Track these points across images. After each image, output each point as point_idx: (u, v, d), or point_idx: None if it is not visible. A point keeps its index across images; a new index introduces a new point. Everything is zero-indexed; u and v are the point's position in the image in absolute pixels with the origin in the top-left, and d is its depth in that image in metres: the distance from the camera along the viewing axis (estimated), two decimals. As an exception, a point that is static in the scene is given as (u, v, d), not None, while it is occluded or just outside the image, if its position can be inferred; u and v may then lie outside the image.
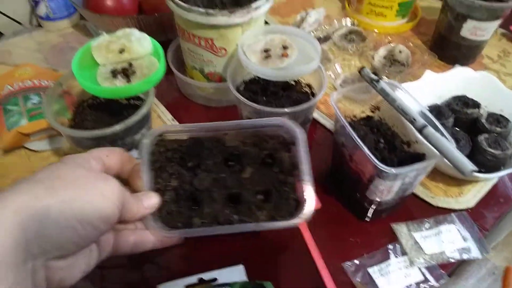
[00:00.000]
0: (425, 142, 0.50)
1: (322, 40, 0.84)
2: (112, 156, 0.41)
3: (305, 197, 0.44)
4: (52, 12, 0.86)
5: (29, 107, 0.65)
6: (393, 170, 0.46)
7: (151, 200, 0.41)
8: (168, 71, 0.69)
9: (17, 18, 0.90)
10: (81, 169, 0.36)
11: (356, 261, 0.52)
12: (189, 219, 0.44)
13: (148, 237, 0.41)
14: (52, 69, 0.78)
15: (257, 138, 0.49)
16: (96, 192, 0.34)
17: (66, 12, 0.87)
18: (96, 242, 0.37)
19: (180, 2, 0.60)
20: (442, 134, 0.49)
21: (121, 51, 0.55)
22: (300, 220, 0.43)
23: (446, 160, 0.46)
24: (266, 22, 0.69)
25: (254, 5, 0.60)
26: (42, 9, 0.85)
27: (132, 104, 0.61)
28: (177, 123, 0.70)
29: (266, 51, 0.59)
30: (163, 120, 0.70)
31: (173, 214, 0.44)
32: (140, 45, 0.56)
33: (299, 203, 0.45)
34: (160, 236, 0.42)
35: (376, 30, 0.90)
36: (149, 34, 0.59)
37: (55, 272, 0.33)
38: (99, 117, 0.59)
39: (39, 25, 0.91)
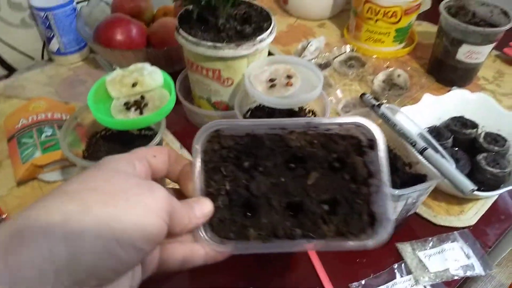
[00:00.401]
0: (426, 163, 0.52)
1: (323, 66, 0.88)
2: (159, 156, 0.36)
3: (382, 213, 0.37)
4: (63, 47, 0.89)
5: (43, 139, 0.68)
6: (396, 192, 0.48)
7: (205, 208, 0.35)
8: (176, 101, 0.72)
9: (30, 54, 0.94)
10: (121, 176, 0.30)
11: (363, 282, 0.54)
12: (243, 229, 0.38)
13: (199, 250, 0.35)
14: (63, 102, 0.81)
15: (325, 138, 0.41)
16: (140, 207, 0.29)
17: (77, 46, 0.91)
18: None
19: (189, 36, 0.63)
20: (442, 156, 0.52)
21: (134, 84, 0.58)
22: (375, 242, 0.36)
23: (447, 180, 0.49)
24: (269, 52, 0.72)
25: (258, 38, 0.63)
26: (54, 45, 0.89)
27: (143, 134, 0.64)
28: (185, 151, 0.72)
29: (271, 80, 0.62)
30: (171, 148, 0.73)
31: (225, 222, 0.38)
32: (152, 78, 0.59)
33: (373, 220, 0.38)
34: (213, 251, 0.35)
35: (374, 56, 0.93)
36: (158, 66, 0.62)
37: None
38: (112, 147, 0.62)
39: (50, 59, 0.95)
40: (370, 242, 0.36)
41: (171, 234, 0.33)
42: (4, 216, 0.62)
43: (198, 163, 0.39)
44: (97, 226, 0.26)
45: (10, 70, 0.93)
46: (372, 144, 0.40)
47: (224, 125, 0.40)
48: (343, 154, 0.40)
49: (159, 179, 0.36)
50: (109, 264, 0.27)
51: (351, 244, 0.36)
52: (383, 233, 0.36)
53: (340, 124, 0.41)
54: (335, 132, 0.41)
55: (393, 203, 0.50)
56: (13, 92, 0.85)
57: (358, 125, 0.40)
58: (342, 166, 0.40)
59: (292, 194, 0.39)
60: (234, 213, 0.38)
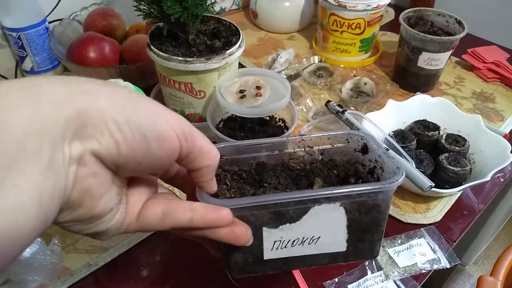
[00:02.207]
0: (389, 164, 0.55)
1: (293, 77, 0.91)
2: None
3: (395, 170, 0.38)
4: (37, 65, 0.90)
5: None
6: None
7: (215, 149, 0.33)
8: (151, 115, 0.75)
9: (3, 73, 0.94)
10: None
11: (336, 279, 0.56)
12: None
13: (184, 208, 0.32)
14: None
15: (324, 161, 0.44)
16: (154, 108, 0.28)
17: (50, 65, 0.92)
18: (126, 198, 0.31)
19: (160, 52, 0.65)
20: (403, 157, 0.55)
21: (108, 99, 0.60)
22: (395, 182, 0.36)
23: (407, 179, 0.52)
24: (240, 64, 0.75)
25: (228, 51, 0.66)
26: (27, 64, 0.90)
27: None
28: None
29: (241, 91, 0.64)
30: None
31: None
32: (125, 93, 0.61)
33: None
34: (206, 209, 0.33)
35: (342, 65, 0.97)
36: (131, 81, 0.64)
37: (82, 180, 0.26)
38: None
39: (24, 79, 0.95)
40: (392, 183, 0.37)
41: (193, 169, 0.32)
42: None
43: None
44: (112, 96, 0.27)
45: (-17, 90, 0.93)
46: (365, 148, 0.43)
47: (222, 148, 0.42)
48: (342, 171, 0.43)
49: None
50: (115, 135, 0.26)
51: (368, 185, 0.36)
52: (399, 176, 0.37)
53: (332, 137, 0.44)
54: (332, 156, 0.44)
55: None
56: (-14, 112, 0.85)
57: (348, 139, 0.44)
58: (347, 175, 0.43)
59: None
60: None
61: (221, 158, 0.37)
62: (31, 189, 0.23)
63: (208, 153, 0.32)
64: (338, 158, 0.45)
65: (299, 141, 0.44)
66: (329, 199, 0.35)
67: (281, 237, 0.36)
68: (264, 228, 0.35)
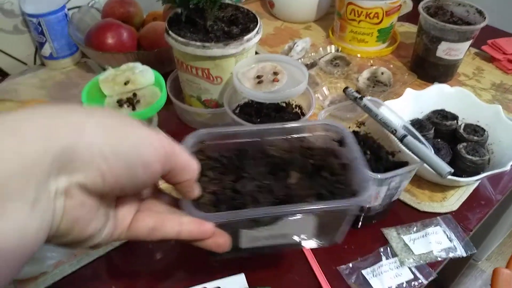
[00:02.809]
0: (407, 151, 0.55)
1: (310, 66, 0.91)
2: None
3: (362, 185, 0.40)
4: (56, 52, 0.91)
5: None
6: (378, 176, 0.50)
7: (195, 162, 0.34)
8: (168, 101, 0.75)
9: (22, 59, 0.96)
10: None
11: (350, 265, 0.56)
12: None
13: (172, 222, 0.35)
14: (57, 104, 0.83)
15: (302, 147, 0.46)
16: (138, 131, 0.29)
17: (69, 51, 0.93)
18: (114, 214, 0.32)
19: (178, 37, 0.66)
20: (422, 143, 0.54)
21: (126, 83, 0.61)
22: (358, 202, 0.39)
23: (426, 165, 0.51)
24: (256, 53, 0.75)
25: (245, 37, 0.66)
26: (46, 50, 0.91)
27: (136, 131, 0.66)
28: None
29: (258, 77, 0.64)
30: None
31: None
32: (143, 76, 0.61)
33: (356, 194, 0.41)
34: (193, 223, 0.35)
35: (359, 55, 0.96)
36: (149, 67, 0.64)
37: (70, 211, 0.27)
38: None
39: (43, 64, 0.96)
40: (353, 201, 0.39)
41: (175, 183, 0.34)
42: None
43: None
44: (96, 127, 0.27)
45: (3, 75, 0.94)
46: (342, 141, 0.45)
47: (206, 134, 0.44)
48: (319, 159, 0.45)
49: None
50: (100, 166, 0.27)
51: (336, 202, 0.39)
52: (364, 196, 0.39)
53: (310, 127, 0.46)
54: (310, 143, 0.46)
55: (376, 188, 0.53)
56: (6, 96, 0.87)
57: (328, 126, 0.46)
58: (320, 168, 0.44)
59: (276, 193, 0.41)
60: (221, 210, 0.39)
61: (202, 142, 0.43)
62: (16, 231, 0.23)
63: (189, 167, 0.33)
64: (315, 147, 0.46)
65: (280, 128, 0.46)
66: (301, 213, 0.39)
67: (257, 235, 0.41)
68: (241, 230, 0.39)
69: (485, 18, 0.82)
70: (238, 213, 0.37)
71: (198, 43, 0.65)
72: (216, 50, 0.65)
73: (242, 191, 0.40)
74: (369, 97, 0.63)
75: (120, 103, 0.59)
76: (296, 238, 0.43)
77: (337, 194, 0.41)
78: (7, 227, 0.23)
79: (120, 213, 0.33)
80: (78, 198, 0.27)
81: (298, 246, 0.45)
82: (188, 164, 0.33)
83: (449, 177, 0.53)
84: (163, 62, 0.83)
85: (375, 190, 0.53)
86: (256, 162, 0.44)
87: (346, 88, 0.63)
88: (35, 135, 0.24)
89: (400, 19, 1.08)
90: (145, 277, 0.55)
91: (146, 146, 0.29)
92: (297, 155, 0.45)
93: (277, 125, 0.45)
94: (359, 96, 0.60)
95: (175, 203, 0.37)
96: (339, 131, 0.45)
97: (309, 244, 0.45)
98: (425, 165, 0.52)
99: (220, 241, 0.37)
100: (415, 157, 0.53)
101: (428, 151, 0.52)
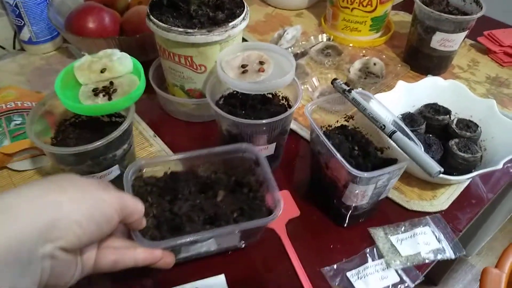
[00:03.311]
0: (396, 147, 0.52)
1: (300, 55, 0.87)
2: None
3: (275, 203, 0.49)
4: (35, 36, 0.87)
5: (12, 127, 0.67)
6: (365, 174, 0.48)
7: (140, 204, 0.43)
8: (150, 90, 0.72)
9: (0, 43, 0.92)
10: (85, 179, 0.40)
11: (335, 266, 0.53)
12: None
13: (129, 255, 0.43)
14: (35, 91, 0.79)
15: (225, 167, 0.55)
16: (98, 197, 0.38)
17: (49, 35, 0.89)
18: (80, 255, 0.39)
19: (160, 23, 0.62)
20: (411, 139, 0.52)
21: (103, 70, 0.57)
22: (272, 218, 0.47)
23: (415, 163, 0.49)
24: (244, 40, 0.72)
25: (231, 24, 0.63)
26: (25, 34, 0.87)
27: (114, 121, 0.62)
28: (159, 139, 0.71)
29: (243, 66, 0.61)
30: (145, 137, 0.72)
31: (156, 239, 0.46)
32: (121, 64, 0.58)
33: (271, 211, 0.49)
34: (146, 252, 0.43)
35: (351, 45, 0.93)
36: (131, 54, 0.61)
37: (54, 268, 0.35)
38: (81, 135, 0.61)
39: (22, 49, 0.92)
40: (267, 219, 0.47)
41: (128, 223, 0.42)
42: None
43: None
44: (70, 202, 0.35)
45: (-20, 60, 0.90)
46: (257, 161, 0.53)
47: (144, 164, 0.52)
48: (240, 177, 0.54)
49: None
50: (76, 231, 0.35)
51: (253, 222, 0.47)
52: (277, 212, 0.47)
53: (231, 151, 0.54)
54: (232, 161, 0.55)
55: (363, 186, 0.50)
56: (-17, 82, 0.83)
57: (244, 150, 0.54)
58: (242, 185, 0.53)
59: (207, 210, 0.49)
60: (163, 231, 0.47)
61: (140, 171, 0.52)
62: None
63: (136, 210, 0.42)
64: (236, 166, 0.55)
65: (207, 152, 0.54)
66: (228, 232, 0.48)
67: (194, 248, 0.50)
68: (182, 248, 0.48)
69: (482, 8, 0.79)
70: (178, 238, 0.45)
71: (181, 29, 0.62)
72: (199, 36, 0.62)
73: (179, 212, 0.48)
74: (359, 90, 0.60)
75: (95, 92, 0.56)
76: (225, 245, 0.52)
77: (256, 209, 0.50)
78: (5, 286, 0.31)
79: (86, 256, 0.39)
80: (60, 258, 0.35)
81: (228, 250, 0.54)
82: (135, 208, 0.42)
83: (440, 175, 0.50)
84: (146, 49, 0.79)
85: (360, 190, 0.51)
86: (188, 183, 0.52)
87: (335, 79, 0.60)
88: (25, 214, 0.33)
89: (395, 7, 1.04)
90: (123, 278, 0.53)
91: (106, 206, 0.38)
92: (221, 174, 0.54)
93: (205, 151, 0.53)
94: (347, 88, 0.57)
95: (127, 233, 0.45)
96: (255, 152, 0.54)
97: (236, 246, 0.54)
98: (414, 163, 0.49)
99: (168, 260, 0.45)
100: (404, 154, 0.51)
101: (417, 148, 0.49)
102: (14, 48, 0.94)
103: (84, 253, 0.39)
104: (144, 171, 0.52)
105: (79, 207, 0.36)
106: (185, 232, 0.46)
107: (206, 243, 0.50)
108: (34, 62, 0.89)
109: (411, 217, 0.60)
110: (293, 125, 0.74)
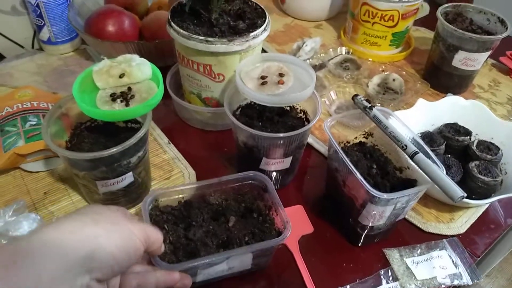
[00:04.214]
0: (417, 168, 0.51)
1: (318, 67, 0.86)
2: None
3: (284, 224, 0.51)
4: (54, 36, 0.88)
5: (27, 128, 0.66)
6: (385, 196, 0.47)
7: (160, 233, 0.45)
8: (166, 96, 0.71)
9: (20, 42, 0.92)
10: (112, 210, 0.42)
11: (348, 287, 0.52)
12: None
13: (151, 278, 0.45)
14: (51, 92, 0.79)
15: (235, 194, 0.57)
16: (127, 229, 0.40)
17: (68, 36, 0.89)
18: (107, 283, 0.40)
19: (180, 30, 0.62)
20: (433, 161, 0.51)
21: (121, 75, 0.57)
22: (281, 239, 0.49)
23: (437, 186, 0.47)
24: (263, 50, 0.71)
25: (252, 34, 0.62)
26: (45, 34, 0.87)
27: (129, 127, 0.62)
28: (173, 146, 0.71)
29: (262, 78, 0.60)
30: (159, 143, 0.71)
31: (173, 263, 0.49)
32: (140, 70, 0.57)
33: (281, 232, 0.52)
34: (165, 275, 0.46)
35: (370, 59, 0.92)
36: (149, 59, 0.60)
37: None
38: (96, 139, 0.60)
39: (41, 49, 0.93)
40: (278, 239, 0.49)
41: (149, 251, 0.44)
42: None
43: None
44: (104, 233, 0.37)
45: (-1, 57, 0.91)
46: (265, 187, 0.55)
47: (160, 194, 0.54)
48: (249, 203, 0.56)
49: None
50: (109, 261, 0.37)
51: (265, 242, 0.49)
52: (286, 233, 0.49)
53: (240, 179, 0.56)
54: (242, 188, 0.57)
55: (381, 208, 0.49)
56: (0, 79, 0.83)
57: (253, 177, 0.56)
58: (251, 210, 0.55)
59: (219, 235, 0.51)
60: (179, 256, 0.50)
61: (157, 200, 0.54)
62: None
63: (157, 239, 0.43)
64: (246, 192, 0.57)
65: (217, 181, 0.56)
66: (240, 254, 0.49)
67: (209, 271, 0.51)
68: (198, 271, 0.50)
69: (507, 28, 0.78)
70: (194, 261, 0.47)
71: (201, 37, 0.61)
72: (219, 45, 0.61)
73: (194, 238, 0.51)
74: (378, 106, 0.59)
75: (113, 97, 0.55)
76: (238, 268, 0.53)
77: (266, 231, 0.52)
78: None
79: (112, 283, 0.41)
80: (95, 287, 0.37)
81: (242, 273, 0.54)
82: (157, 238, 0.44)
83: (461, 200, 0.49)
84: (164, 55, 0.79)
85: (378, 210, 0.49)
86: (201, 211, 0.54)
87: (356, 95, 0.59)
88: (68, 247, 0.34)
89: (416, 23, 1.03)
90: None
91: (135, 237, 0.40)
92: (232, 201, 0.56)
93: (215, 180, 0.56)
94: (368, 105, 0.56)
95: (147, 258, 0.47)
96: (262, 179, 0.55)
97: (249, 270, 0.55)
98: (435, 186, 0.48)
99: (186, 282, 0.47)
100: (426, 176, 0.49)
101: (440, 171, 0.48)
102: (32, 47, 0.95)
103: (110, 281, 0.41)
104: (160, 200, 0.54)
105: (113, 239, 0.38)
106: (200, 256, 0.48)
107: (221, 266, 0.50)
108: (52, 62, 0.89)
109: (428, 239, 0.59)
110: (309, 138, 0.73)
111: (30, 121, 0.68)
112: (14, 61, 0.88)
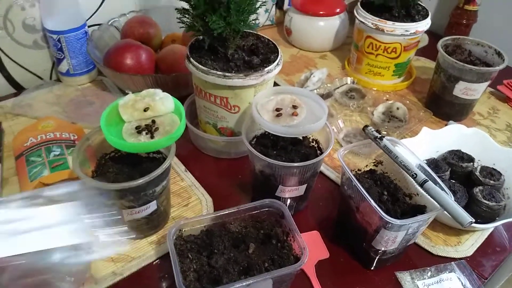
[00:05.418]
0: (426, 195, 0.54)
1: (325, 97, 0.91)
2: None
3: (301, 250, 0.53)
4: (73, 68, 0.92)
5: (51, 158, 0.70)
6: (398, 222, 0.50)
7: None
8: (183, 125, 0.75)
9: (39, 74, 0.96)
10: None
11: (364, 308, 0.55)
12: None
13: None
14: (71, 122, 0.83)
15: (254, 221, 0.60)
16: None
17: (85, 68, 0.93)
18: None
19: (199, 65, 0.66)
20: (441, 188, 0.54)
21: (146, 109, 0.60)
22: (299, 265, 0.51)
23: (446, 212, 0.51)
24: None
25: (266, 69, 0.66)
26: (64, 66, 0.91)
27: (151, 157, 0.65)
28: (189, 174, 0.74)
29: (277, 110, 0.64)
30: (176, 171, 0.75)
31: None
32: (163, 104, 0.61)
33: (298, 258, 0.54)
34: None
35: (375, 88, 0.96)
36: (165, 91, 0.64)
37: None
38: (120, 169, 0.63)
39: (58, 80, 0.97)
40: (295, 266, 0.51)
41: None
42: (10, 233, 0.62)
43: (172, 251, 0.52)
44: None
45: (19, 88, 0.95)
46: (282, 214, 0.58)
47: (183, 224, 0.57)
48: (268, 229, 0.58)
49: None
50: None
51: (285, 269, 0.51)
52: (303, 259, 0.51)
53: (258, 206, 0.59)
54: (260, 215, 0.59)
55: (394, 233, 0.52)
56: (20, 111, 0.87)
57: (270, 205, 0.59)
58: (270, 236, 0.57)
59: (241, 262, 0.54)
60: (204, 284, 0.51)
61: (180, 230, 0.56)
62: None
63: None
64: (264, 219, 0.59)
65: (236, 210, 0.58)
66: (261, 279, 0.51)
67: None
68: None
69: (504, 60, 0.82)
70: None
71: (219, 72, 0.65)
72: (236, 80, 0.65)
73: (216, 266, 0.53)
74: (385, 135, 0.62)
75: (138, 129, 0.59)
76: None
77: (284, 257, 0.55)
78: None
79: None
80: None
81: None
82: None
83: (468, 225, 0.52)
84: (180, 86, 0.83)
85: (391, 236, 0.52)
86: (222, 239, 0.57)
87: (366, 126, 0.62)
88: None
89: (416, 53, 1.08)
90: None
91: None
92: (251, 228, 0.59)
93: (234, 208, 0.58)
94: (379, 136, 0.60)
95: None
96: (279, 207, 0.58)
97: None
98: (445, 212, 0.51)
99: None
100: (435, 202, 0.53)
101: (449, 198, 0.51)
102: (50, 78, 0.99)
103: None
104: (183, 230, 0.57)
105: None
106: (223, 283, 0.50)
107: None
108: (70, 93, 0.93)
109: (437, 262, 0.61)
110: (320, 166, 0.76)
111: (54, 151, 0.71)
112: (34, 92, 0.92)
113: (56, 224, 0.50)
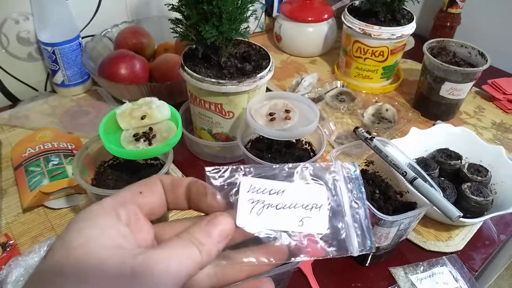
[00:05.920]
0: (416, 192, 0.57)
1: (316, 100, 0.93)
2: (147, 190, 0.30)
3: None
4: (68, 79, 0.93)
5: (50, 167, 0.71)
6: (390, 218, 0.52)
7: (223, 228, 0.29)
8: (179, 132, 0.76)
9: (33, 85, 0.98)
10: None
11: (360, 303, 0.57)
12: None
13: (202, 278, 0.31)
14: (67, 132, 0.84)
15: None
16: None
17: (80, 79, 0.95)
18: None
19: (193, 73, 0.68)
20: (430, 185, 0.56)
21: (143, 117, 0.62)
22: (296, 262, 0.51)
23: (436, 208, 0.53)
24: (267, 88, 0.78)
25: (258, 75, 0.68)
26: (59, 77, 0.93)
27: (149, 163, 0.67)
28: (187, 179, 0.76)
29: (271, 114, 0.66)
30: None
31: None
32: (160, 112, 0.63)
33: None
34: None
35: (364, 91, 0.99)
36: (160, 99, 0.66)
37: None
38: (119, 176, 0.65)
39: (53, 91, 0.98)
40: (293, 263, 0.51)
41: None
42: (11, 242, 0.63)
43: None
44: None
45: (14, 101, 0.96)
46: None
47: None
48: None
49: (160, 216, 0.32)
50: None
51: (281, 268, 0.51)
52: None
53: None
54: None
55: (386, 229, 0.54)
56: (17, 122, 0.88)
57: None
58: None
59: None
60: None
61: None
62: None
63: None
64: None
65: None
66: None
67: None
68: None
69: (487, 60, 0.85)
70: None
71: (213, 80, 0.67)
72: (230, 87, 0.67)
73: None
74: (376, 136, 0.65)
75: (136, 137, 0.60)
76: None
77: None
78: None
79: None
80: None
81: None
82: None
83: (457, 219, 0.54)
84: (174, 94, 0.85)
85: (384, 232, 0.55)
86: None
87: (357, 128, 0.65)
88: None
89: (403, 55, 1.11)
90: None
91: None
92: None
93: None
94: (369, 136, 0.62)
95: None
96: None
97: None
98: (434, 207, 0.54)
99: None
100: (425, 199, 0.55)
101: (437, 194, 0.53)
102: (45, 89, 1.00)
103: None
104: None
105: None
106: None
107: None
108: (65, 103, 0.94)
109: (429, 257, 0.64)
110: (313, 168, 0.79)
111: (52, 161, 0.72)
112: (29, 103, 0.93)
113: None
